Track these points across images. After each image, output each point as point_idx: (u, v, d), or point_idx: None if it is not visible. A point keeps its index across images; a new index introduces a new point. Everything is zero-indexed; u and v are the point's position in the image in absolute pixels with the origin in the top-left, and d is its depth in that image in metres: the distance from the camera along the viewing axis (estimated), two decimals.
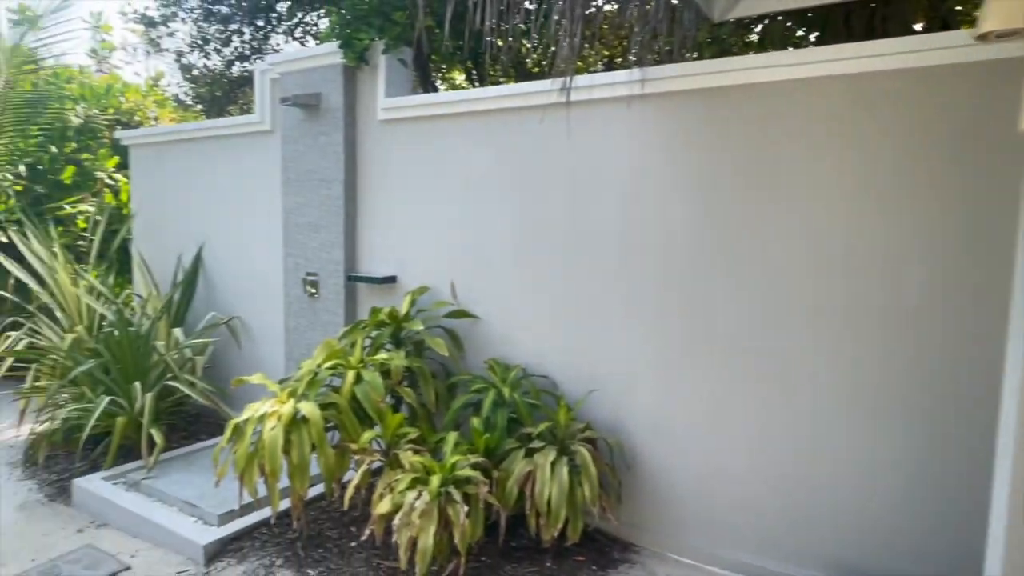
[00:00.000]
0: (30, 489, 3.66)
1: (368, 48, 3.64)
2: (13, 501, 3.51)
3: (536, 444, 2.80)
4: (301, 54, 3.95)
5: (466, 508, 2.45)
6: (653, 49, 2.75)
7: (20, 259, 4.92)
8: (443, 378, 3.39)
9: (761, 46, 4.16)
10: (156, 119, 7.18)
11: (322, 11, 5.97)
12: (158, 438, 3.61)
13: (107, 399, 3.74)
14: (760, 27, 4.18)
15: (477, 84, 5.44)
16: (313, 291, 4.06)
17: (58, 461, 3.92)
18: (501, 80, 5.50)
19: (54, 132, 6.16)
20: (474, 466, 2.65)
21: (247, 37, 6.52)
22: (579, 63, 5.10)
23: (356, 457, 2.76)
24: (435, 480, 2.51)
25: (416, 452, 2.73)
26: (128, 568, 2.82)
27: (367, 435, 2.76)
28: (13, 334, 4.44)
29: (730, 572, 2.77)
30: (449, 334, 3.46)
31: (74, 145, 6.28)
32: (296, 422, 2.72)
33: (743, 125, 2.65)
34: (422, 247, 3.66)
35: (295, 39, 6.29)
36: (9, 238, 5.28)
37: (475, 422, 2.88)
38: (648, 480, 2.99)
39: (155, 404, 3.78)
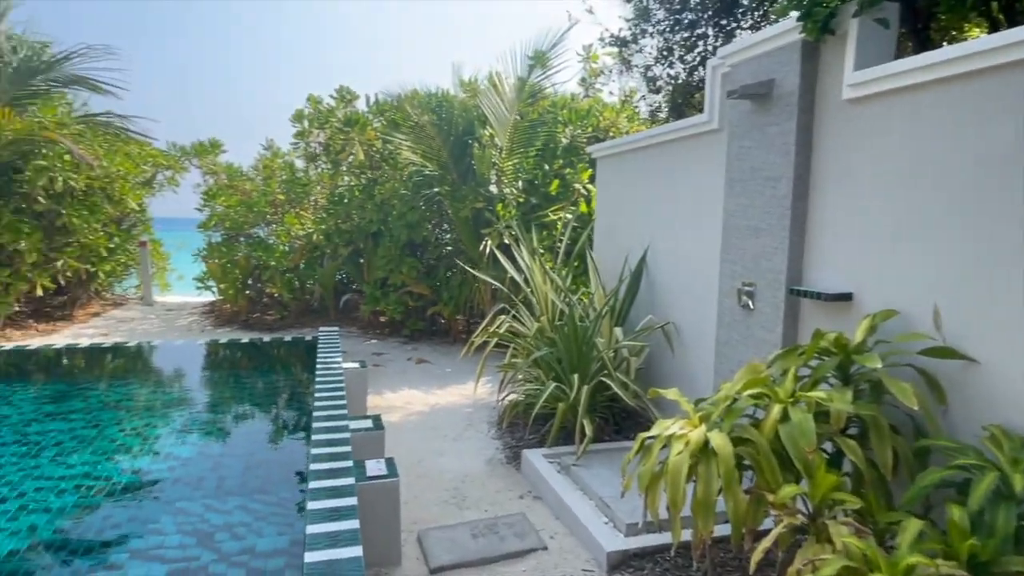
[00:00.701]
0: (496, 448, 4.41)
1: (835, 13, 2.98)
2: (483, 455, 4.29)
3: None
4: (752, 40, 3.55)
5: None
6: None
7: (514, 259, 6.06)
8: (909, 437, 2.52)
9: None
10: (627, 133, 7.86)
11: None
12: (588, 429, 3.84)
13: (553, 384, 4.19)
14: None
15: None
16: (748, 303, 3.63)
17: (518, 429, 4.61)
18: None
19: (547, 152, 7.38)
20: None
21: (711, 39, 6.45)
22: None
23: (773, 513, 2.26)
24: None
25: (856, 531, 2.05)
26: (545, 549, 3.02)
27: (789, 490, 2.22)
28: (502, 318, 5.49)
29: None
30: (925, 378, 2.54)
31: (560, 162, 7.40)
32: (705, 452, 2.40)
33: None
34: (891, 258, 2.81)
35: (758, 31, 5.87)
36: (509, 241, 6.59)
37: (955, 513, 1.99)
38: None
39: (590, 397, 4.03)
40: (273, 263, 8.27)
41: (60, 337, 7.88)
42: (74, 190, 7.71)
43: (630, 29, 6.65)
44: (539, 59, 6.97)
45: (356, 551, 2.04)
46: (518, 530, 3.17)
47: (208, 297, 10.06)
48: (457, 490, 3.74)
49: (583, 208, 7.20)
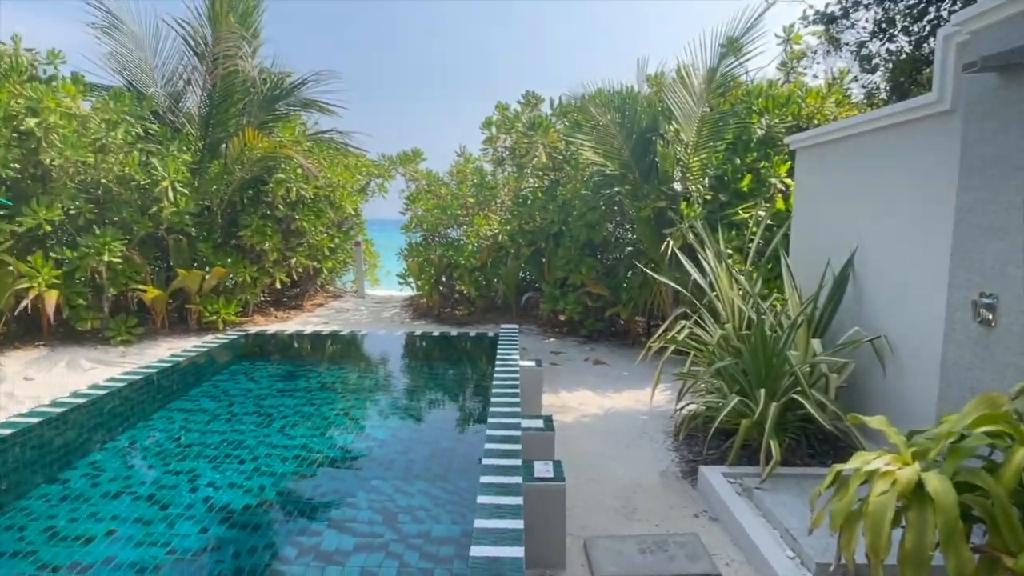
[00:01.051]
0: (672, 460, 4.21)
1: None
2: (657, 466, 4.12)
3: None
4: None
5: None
6: None
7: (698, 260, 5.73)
8: None
9: None
10: (835, 120, 7.02)
11: None
12: (775, 450, 3.49)
13: (737, 398, 3.88)
14: None
15: None
16: (988, 318, 3.01)
17: (695, 443, 4.36)
18: None
19: (739, 145, 6.87)
20: None
21: (947, 2, 5.48)
22: None
23: None
24: None
25: None
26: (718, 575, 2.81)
27: None
28: (683, 323, 5.22)
29: None
30: None
31: (754, 155, 6.83)
32: (918, 495, 2.03)
33: None
34: None
35: None
36: (693, 242, 6.26)
37: None
38: None
39: (779, 415, 3.66)
40: (462, 261, 8.83)
41: (292, 324, 9.25)
42: (304, 198, 8.98)
43: (840, 3, 5.90)
44: (731, 46, 6.50)
45: (518, 551, 2.07)
46: (690, 551, 2.99)
47: (407, 292, 11.07)
48: (628, 500, 3.64)
49: (779, 205, 6.58)
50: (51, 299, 6.98)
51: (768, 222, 6.44)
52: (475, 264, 8.92)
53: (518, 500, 2.44)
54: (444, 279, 9.59)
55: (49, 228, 7.16)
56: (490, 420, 3.37)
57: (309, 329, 7.42)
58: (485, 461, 2.83)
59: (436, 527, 2.72)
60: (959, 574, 1.95)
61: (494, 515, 2.30)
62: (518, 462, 2.85)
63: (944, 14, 5.35)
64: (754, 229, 6.38)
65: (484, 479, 2.63)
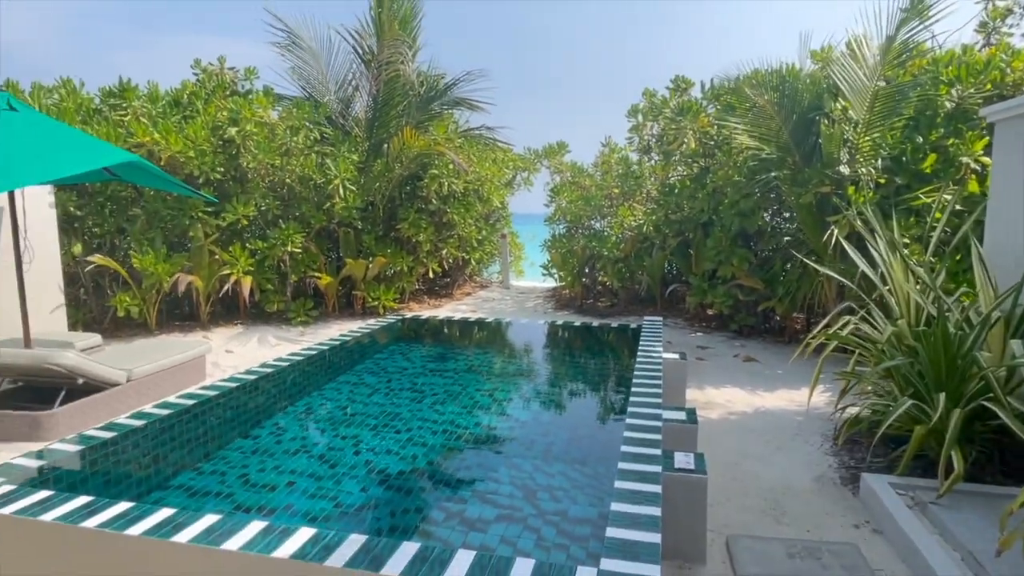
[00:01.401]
0: (829, 465, 3.89)
1: None
2: (813, 471, 3.82)
3: None
4: None
5: None
6: None
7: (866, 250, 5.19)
8: None
9: None
10: None
11: None
12: (957, 463, 3.08)
13: (910, 402, 3.47)
14: None
15: None
16: None
17: (858, 449, 3.98)
18: None
19: (921, 120, 6.09)
20: None
21: None
22: None
23: None
24: None
25: None
26: None
27: None
28: (848, 319, 4.76)
29: None
30: None
31: (941, 131, 6.02)
32: None
33: None
34: None
35: None
36: (862, 230, 5.67)
37: None
38: None
39: (963, 423, 3.23)
40: (605, 252, 8.78)
41: (443, 311, 9.82)
42: (455, 192, 9.48)
43: None
44: (914, 8, 5.77)
45: (655, 537, 2.06)
46: (847, 562, 2.75)
47: (550, 283, 11.25)
48: (776, 502, 3.43)
49: (972, 187, 5.74)
50: (247, 284, 8.07)
51: (958, 207, 5.65)
52: (618, 255, 8.83)
53: (656, 488, 2.42)
54: (587, 270, 9.61)
55: (246, 223, 8.28)
56: (631, 409, 3.35)
57: (458, 316, 7.84)
58: (624, 448, 2.83)
59: (573, 507, 2.77)
60: None
61: (631, 500, 2.30)
62: (658, 451, 2.81)
63: None
64: (938, 215, 5.63)
65: (622, 465, 2.63)
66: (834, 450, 4.08)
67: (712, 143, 7.88)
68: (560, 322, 7.30)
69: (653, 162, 9.02)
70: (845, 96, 5.98)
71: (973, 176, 5.79)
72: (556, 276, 10.18)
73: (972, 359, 3.46)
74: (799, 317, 7.33)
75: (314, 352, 4.90)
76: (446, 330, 7.07)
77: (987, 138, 5.77)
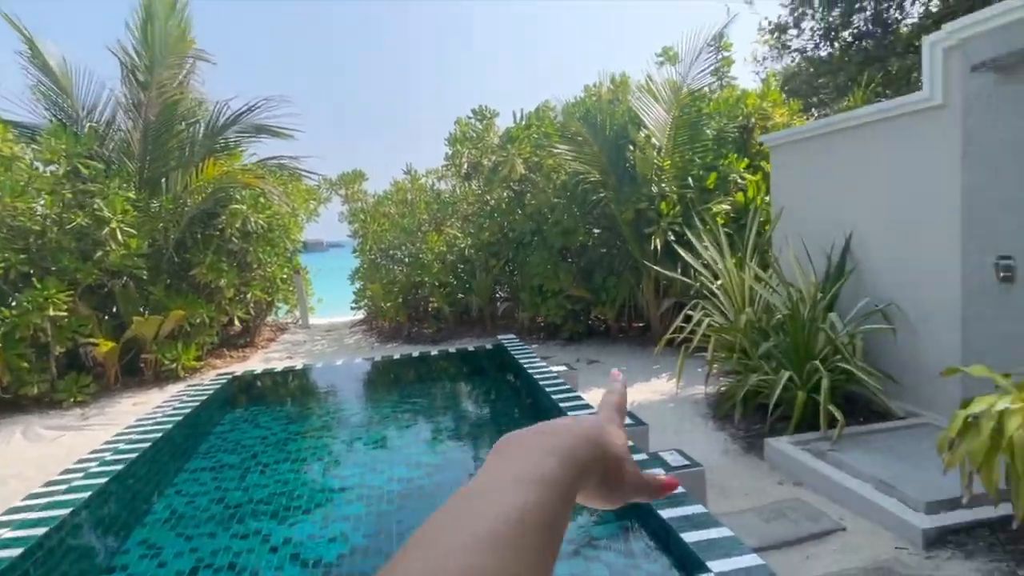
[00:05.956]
0: (725, 440, 4.53)
1: None
2: (716, 447, 4.41)
3: None
4: (995, 11, 3.50)
5: None
6: None
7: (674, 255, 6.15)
8: None
9: None
10: (768, 119, 7.76)
11: None
12: (839, 415, 3.89)
13: (787, 374, 4.26)
14: None
15: None
16: (1006, 275, 3.57)
17: (730, 423, 4.70)
18: None
19: (697, 146, 7.44)
20: None
21: (868, 14, 6.31)
22: None
23: None
24: None
25: None
26: (844, 530, 3.12)
27: None
28: (690, 313, 5.58)
29: None
30: None
31: (711, 155, 7.42)
32: None
33: None
34: None
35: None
36: (676, 237, 6.71)
37: None
38: None
39: (830, 383, 4.08)
40: (428, 279, 8.78)
41: (253, 362, 8.72)
42: (258, 228, 8.54)
43: (791, 12, 6.60)
44: (670, 57, 7.05)
45: (725, 531, 2.23)
46: (806, 513, 3.28)
47: (349, 317, 10.79)
48: (710, 481, 3.88)
49: (739, 198, 7.19)
50: None
51: (732, 214, 7.05)
52: (444, 279, 8.90)
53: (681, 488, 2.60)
54: (410, 298, 9.47)
55: None
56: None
57: (281, 366, 7.08)
58: None
59: (595, 529, 2.80)
60: None
61: (671, 504, 2.43)
62: (644, 455, 3.00)
63: (865, 25, 6.17)
64: (723, 220, 6.93)
65: None
66: (719, 427, 4.76)
67: (528, 169, 8.47)
68: (416, 353, 7.09)
69: (471, 187, 9.30)
70: (647, 126, 7.01)
71: (738, 191, 7.25)
72: (369, 307, 9.80)
73: (819, 330, 4.39)
74: (622, 320, 8.27)
75: (136, 439, 3.87)
76: (290, 382, 6.34)
77: (746, 160, 7.30)
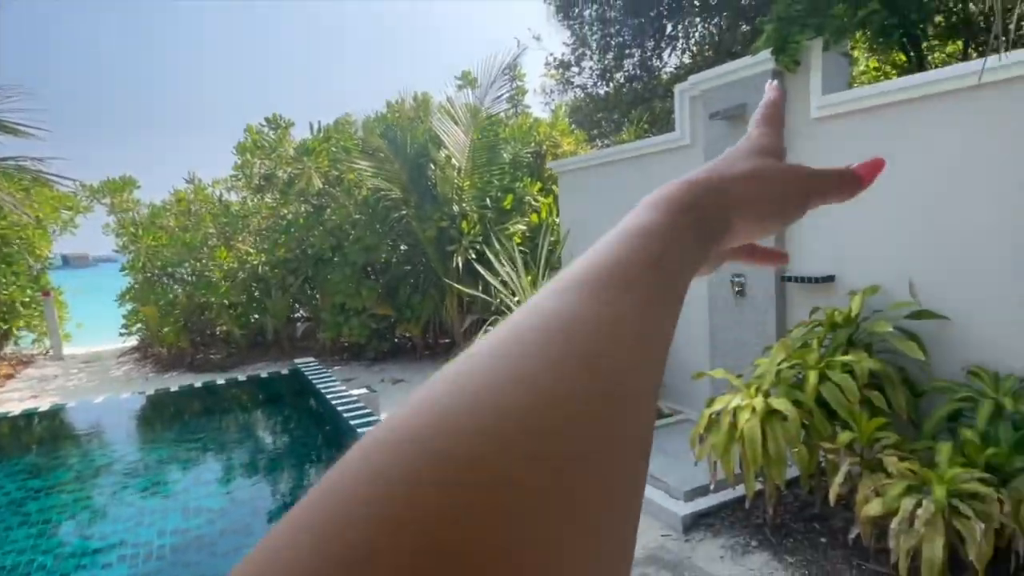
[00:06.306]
0: None
1: (803, 50, 3.66)
2: None
3: None
4: (725, 70, 4.19)
5: (981, 526, 2.29)
6: None
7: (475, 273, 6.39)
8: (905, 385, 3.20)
9: None
10: (557, 146, 8.43)
11: (700, 20, 6.20)
12: None
13: None
14: None
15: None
16: (739, 291, 4.26)
17: None
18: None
19: (495, 169, 7.79)
20: (980, 481, 2.45)
21: (636, 60, 7.18)
22: None
23: (830, 456, 2.83)
24: (939, 491, 2.41)
25: (901, 459, 2.66)
26: None
27: (846, 436, 2.80)
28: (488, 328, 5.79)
29: None
30: (910, 338, 3.24)
31: (508, 177, 7.83)
32: (769, 416, 2.92)
33: None
34: (866, 244, 3.51)
35: (690, 53, 6.66)
36: (476, 255, 6.93)
37: (968, 434, 2.65)
38: None
39: None
40: (215, 300, 7.99)
41: None
42: None
43: (573, 52, 7.24)
44: (469, 82, 7.37)
45: None
46: None
47: (123, 343, 9.42)
48: None
49: (534, 219, 7.67)
50: None
51: (527, 233, 7.51)
52: (233, 300, 8.15)
53: None
54: (192, 321, 8.51)
55: None
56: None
57: (19, 409, 5.91)
58: None
59: None
60: (801, 462, 2.89)
61: None
62: None
63: (635, 68, 7.04)
64: (519, 239, 7.34)
65: None
66: None
67: (326, 183, 8.13)
68: (199, 384, 6.35)
69: (264, 200, 8.64)
70: (447, 147, 7.16)
71: (533, 212, 7.74)
72: (143, 332, 8.63)
73: None
74: (428, 337, 8.29)
75: None
76: (33, 428, 5.31)
77: (539, 183, 7.82)
